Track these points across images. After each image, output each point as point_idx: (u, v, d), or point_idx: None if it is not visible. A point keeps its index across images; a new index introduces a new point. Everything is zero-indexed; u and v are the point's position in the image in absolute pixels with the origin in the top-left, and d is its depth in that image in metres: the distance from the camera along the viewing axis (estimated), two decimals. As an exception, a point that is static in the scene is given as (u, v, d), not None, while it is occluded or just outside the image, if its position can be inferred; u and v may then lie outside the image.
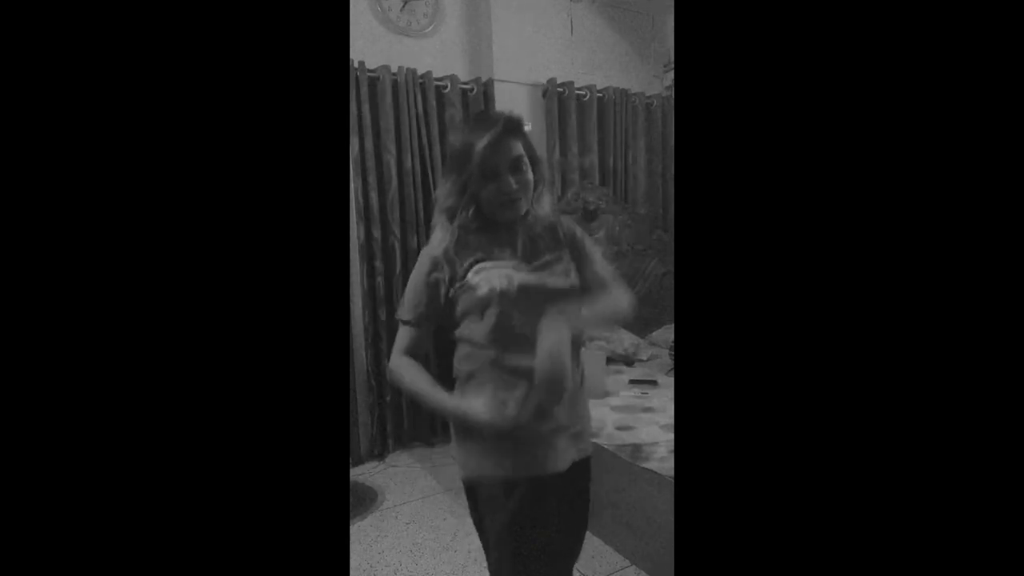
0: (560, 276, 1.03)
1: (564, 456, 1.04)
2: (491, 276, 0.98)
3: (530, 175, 1.01)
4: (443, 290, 1.02)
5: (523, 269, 1.01)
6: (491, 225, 1.03)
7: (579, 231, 1.14)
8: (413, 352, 1.06)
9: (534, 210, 1.05)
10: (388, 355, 2.81)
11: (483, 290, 0.98)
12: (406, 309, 1.06)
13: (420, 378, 1.03)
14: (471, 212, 1.01)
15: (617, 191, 3.33)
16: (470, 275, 1.00)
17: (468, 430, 1.01)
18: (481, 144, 0.96)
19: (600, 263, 1.13)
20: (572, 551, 1.17)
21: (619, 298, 1.08)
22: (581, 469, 1.11)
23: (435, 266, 1.02)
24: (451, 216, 1.02)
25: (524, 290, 0.97)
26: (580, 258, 1.10)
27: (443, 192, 1.04)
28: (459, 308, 1.02)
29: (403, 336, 1.06)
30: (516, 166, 0.99)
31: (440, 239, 1.03)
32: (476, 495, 1.07)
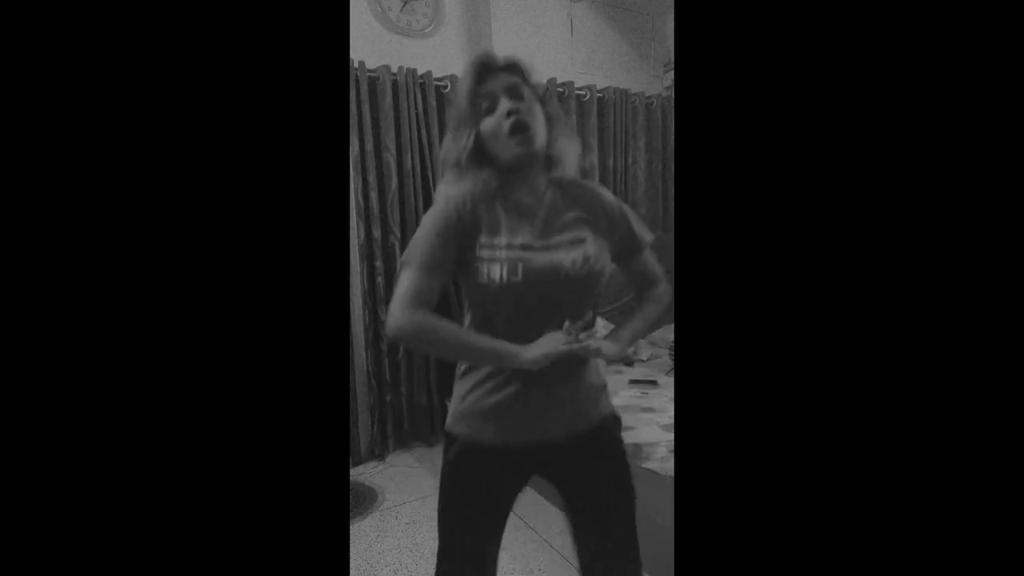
0: (579, 260, 0.90)
1: (564, 425, 0.96)
2: (495, 261, 0.88)
3: (536, 105, 0.90)
4: (459, 242, 0.90)
5: (536, 247, 0.89)
6: (506, 177, 0.91)
7: (628, 211, 1.01)
8: (422, 302, 0.88)
9: (558, 160, 0.93)
10: (388, 355, 2.83)
11: (483, 278, 0.88)
12: (415, 252, 0.89)
13: (443, 325, 0.89)
14: (471, 144, 0.89)
15: (617, 191, 3.33)
16: (477, 250, 0.89)
17: (483, 385, 0.93)
18: (467, 77, 0.89)
19: (648, 256, 1.04)
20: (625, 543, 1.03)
21: (664, 296, 1.03)
22: (601, 434, 1.00)
23: (454, 210, 0.89)
24: (456, 166, 0.91)
25: (531, 278, 0.87)
26: (625, 245, 0.99)
27: (444, 148, 0.93)
28: (465, 284, 0.93)
29: (408, 282, 0.88)
30: (513, 91, 0.88)
31: (459, 188, 0.91)
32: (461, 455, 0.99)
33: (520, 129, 0.88)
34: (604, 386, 1.04)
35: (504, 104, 0.88)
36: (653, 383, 2.39)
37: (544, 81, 3.10)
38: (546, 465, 1.01)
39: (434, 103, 2.82)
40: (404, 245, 2.77)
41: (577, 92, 3.14)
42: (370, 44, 2.74)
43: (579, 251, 0.91)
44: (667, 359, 2.77)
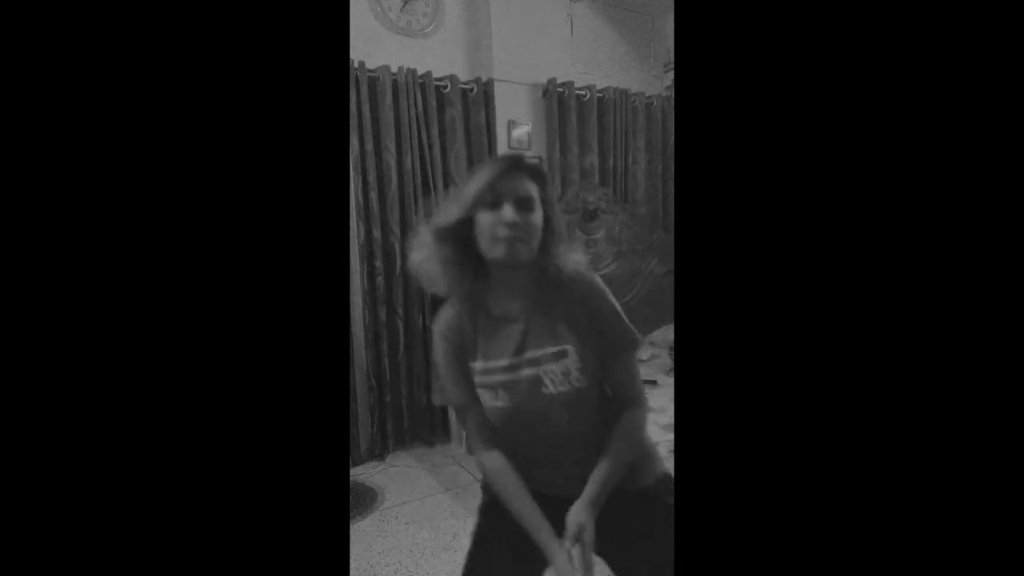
0: (559, 378, 0.91)
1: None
2: (484, 388, 0.93)
3: (538, 220, 0.90)
4: (468, 356, 0.96)
5: (516, 366, 0.92)
6: (481, 266, 0.93)
7: (617, 308, 0.95)
8: (486, 435, 0.96)
9: (553, 259, 0.93)
10: (388, 355, 2.83)
11: (485, 403, 0.94)
12: (449, 394, 0.98)
13: (504, 480, 0.94)
14: (452, 224, 0.90)
15: (617, 191, 3.33)
16: (473, 377, 0.95)
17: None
18: (489, 169, 0.90)
19: (633, 363, 0.98)
20: None
21: (636, 425, 0.97)
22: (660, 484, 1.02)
23: (456, 333, 0.96)
24: (436, 234, 0.92)
25: (516, 400, 0.92)
26: (610, 346, 0.94)
27: (441, 208, 0.93)
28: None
29: (467, 422, 0.98)
30: (524, 203, 0.89)
31: (443, 319, 0.97)
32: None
33: (511, 242, 0.88)
34: (651, 446, 1.07)
35: (507, 212, 0.87)
36: (653, 383, 2.39)
37: (544, 81, 3.10)
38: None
39: (434, 103, 2.82)
40: (404, 245, 2.77)
41: (577, 92, 3.14)
42: (370, 44, 2.74)
43: (560, 365, 0.91)
44: (667, 359, 2.77)
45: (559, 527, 0.91)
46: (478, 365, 0.94)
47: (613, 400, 0.97)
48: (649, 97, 3.44)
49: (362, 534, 2.12)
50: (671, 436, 1.82)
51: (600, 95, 3.22)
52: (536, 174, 0.92)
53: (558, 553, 0.88)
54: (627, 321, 0.95)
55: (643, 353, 2.87)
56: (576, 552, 0.87)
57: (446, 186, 2.85)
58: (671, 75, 3.45)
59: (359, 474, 2.63)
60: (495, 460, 0.96)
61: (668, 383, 2.39)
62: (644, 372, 2.57)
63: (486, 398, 0.94)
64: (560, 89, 3.11)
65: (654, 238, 3.41)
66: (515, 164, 0.91)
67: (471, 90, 2.91)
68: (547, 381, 0.91)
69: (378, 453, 2.81)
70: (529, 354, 0.92)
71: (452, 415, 2.95)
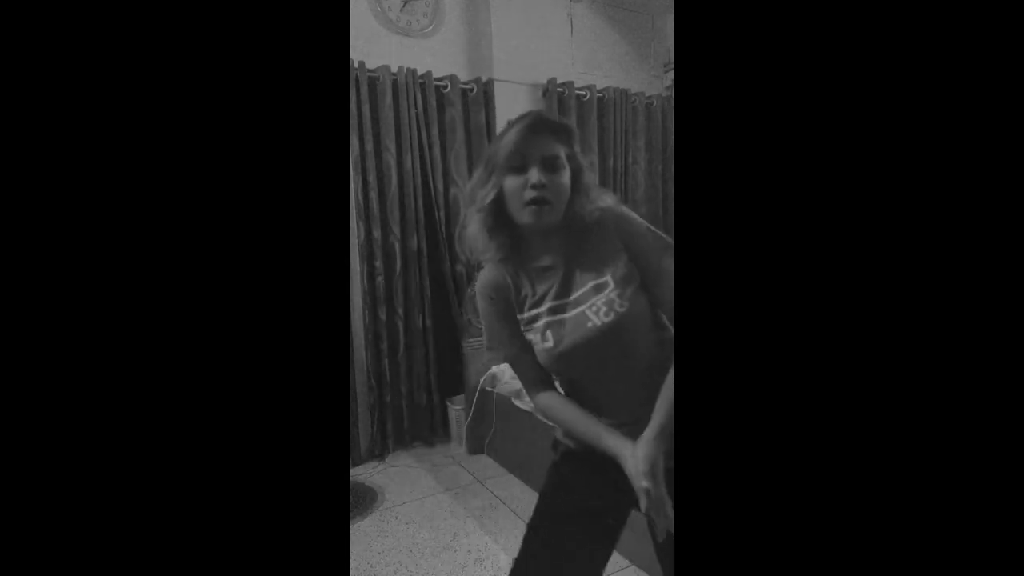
0: (602, 309, 0.91)
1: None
2: (533, 331, 0.95)
3: (567, 180, 0.91)
4: (514, 308, 0.98)
5: (561, 307, 0.94)
6: (523, 239, 0.96)
7: (647, 237, 0.95)
8: (536, 381, 0.99)
9: (577, 209, 0.94)
10: (388, 355, 2.83)
11: (536, 346, 0.95)
12: (495, 342, 1.01)
13: (559, 406, 0.98)
14: (490, 200, 0.91)
15: (617, 191, 3.33)
16: (522, 325, 0.97)
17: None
18: (513, 130, 0.89)
19: (668, 283, 0.95)
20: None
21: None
22: None
23: (496, 290, 0.98)
24: (473, 202, 0.96)
25: (564, 340, 0.92)
26: (651, 275, 0.94)
27: (473, 181, 0.96)
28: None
29: (516, 371, 1.02)
30: (549, 163, 0.89)
31: (484, 276, 0.99)
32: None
33: (537, 203, 0.89)
34: None
35: (533, 175, 0.88)
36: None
37: (544, 81, 3.10)
38: None
39: (434, 103, 2.82)
40: (404, 245, 2.78)
41: (577, 92, 3.15)
42: (370, 44, 2.74)
43: (601, 297, 0.91)
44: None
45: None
46: (524, 315, 0.96)
47: (667, 327, 0.97)
48: (649, 97, 3.45)
49: (362, 534, 2.12)
50: (671, 436, 1.81)
51: (600, 95, 3.22)
52: (561, 131, 0.92)
53: (629, 460, 0.88)
54: (656, 231, 0.97)
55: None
56: (651, 486, 0.85)
57: (446, 186, 2.86)
58: (671, 75, 3.45)
59: (359, 474, 2.63)
60: (551, 399, 0.98)
61: (668, 383, 2.38)
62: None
63: (536, 342, 0.95)
64: (560, 89, 3.11)
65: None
66: (539, 124, 0.90)
67: (471, 90, 2.91)
68: (591, 315, 0.91)
69: (378, 453, 2.81)
70: (572, 296, 0.93)
71: (452, 415, 2.96)
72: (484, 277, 1.00)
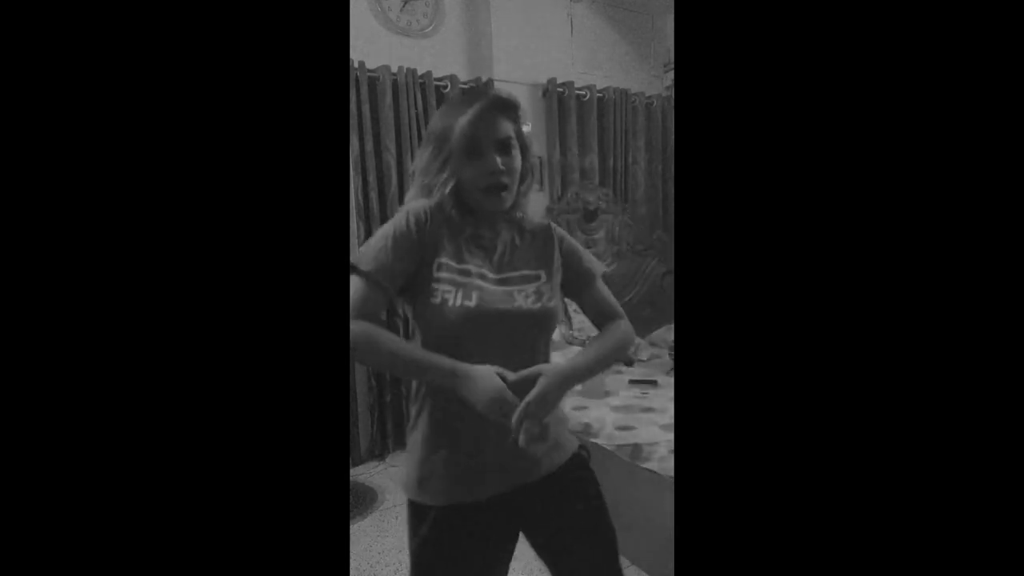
0: (531, 296, 0.91)
1: (538, 466, 0.92)
2: (452, 284, 0.87)
3: (519, 162, 0.91)
4: (414, 257, 0.88)
5: (489, 279, 0.90)
6: (470, 214, 0.92)
7: (578, 247, 1.03)
8: (365, 312, 0.85)
9: (521, 206, 0.96)
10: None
11: (436, 299, 0.86)
12: (366, 259, 0.87)
13: (387, 337, 0.85)
14: (449, 190, 0.89)
15: (617, 191, 3.33)
16: (435, 271, 0.88)
17: (445, 441, 0.89)
18: (466, 116, 0.87)
19: (601, 287, 1.03)
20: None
21: (622, 331, 1.00)
22: (570, 472, 0.97)
23: (414, 224, 0.88)
24: (428, 194, 0.91)
25: (484, 308, 0.86)
26: (577, 278, 1.00)
27: (420, 165, 0.92)
28: (415, 305, 0.90)
29: (354, 292, 0.86)
30: (504, 146, 0.89)
31: (422, 203, 0.91)
32: (433, 520, 0.89)
33: (497, 190, 0.89)
34: (565, 419, 1.03)
35: (491, 161, 0.88)
36: (653, 383, 2.40)
37: (544, 81, 3.10)
38: (525, 517, 0.95)
39: (434, 103, 2.82)
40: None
41: (577, 92, 3.15)
42: (370, 44, 2.74)
43: (532, 286, 0.92)
44: (667, 359, 2.77)
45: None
46: (445, 261, 0.89)
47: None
48: (649, 97, 3.45)
49: (362, 534, 2.12)
50: (671, 436, 1.82)
51: (600, 95, 3.23)
52: (511, 108, 0.91)
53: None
54: (589, 255, 1.03)
55: (643, 353, 2.87)
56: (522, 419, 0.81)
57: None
58: (671, 75, 3.45)
59: (359, 474, 2.63)
60: (372, 328, 0.85)
61: (668, 383, 2.39)
62: (644, 372, 2.58)
63: (450, 297, 0.86)
64: (560, 89, 3.11)
65: (654, 238, 3.41)
66: (493, 105, 0.89)
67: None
68: (517, 296, 0.90)
69: (378, 453, 2.81)
70: (504, 274, 0.92)
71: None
72: (418, 204, 0.92)
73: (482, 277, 0.90)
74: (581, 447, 1.00)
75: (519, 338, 0.90)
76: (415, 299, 0.90)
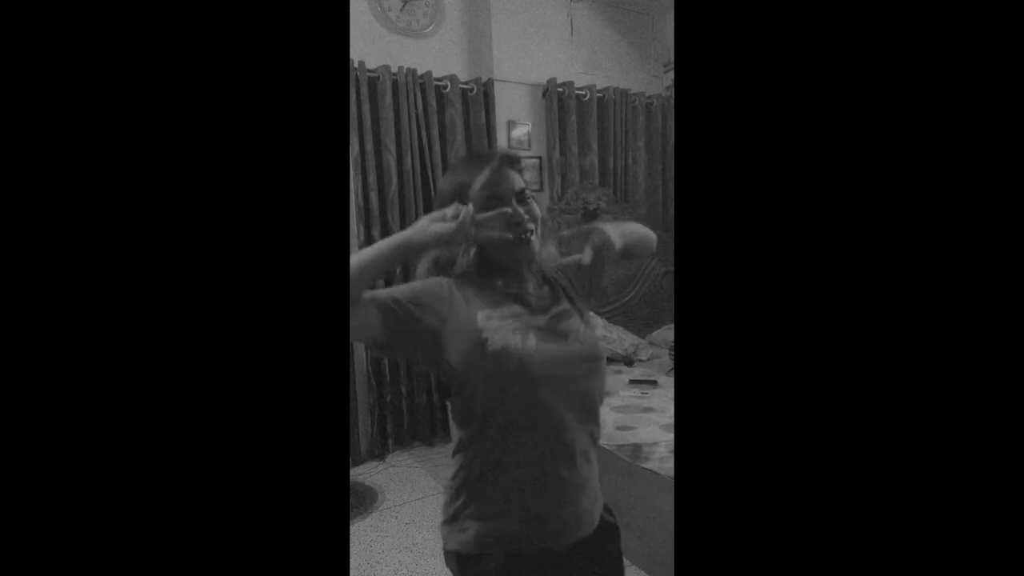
0: (580, 331, 0.93)
1: (590, 516, 0.91)
2: (503, 331, 0.85)
3: (537, 210, 0.92)
4: (439, 315, 0.84)
5: (539, 320, 0.90)
6: (493, 274, 0.92)
7: (565, 260, 1.01)
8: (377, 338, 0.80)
9: (541, 254, 0.95)
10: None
11: (496, 344, 0.84)
12: (383, 293, 0.82)
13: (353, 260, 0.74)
14: (472, 254, 0.90)
15: (617, 191, 3.33)
16: (481, 322, 0.86)
17: (475, 486, 0.88)
18: (483, 175, 0.87)
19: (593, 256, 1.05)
20: None
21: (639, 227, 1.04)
22: (608, 530, 0.97)
23: (446, 287, 0.87)
24: (448, 267, 0.90)
25: (542, 347, 0.86)
26: (581, 269, 0.99)
27: (430, 236, 0.82)
28: (456, 355, 0.85)
29: (365, 316, 0.78)
30: (522, 197, 0.90)
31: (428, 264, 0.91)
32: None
33: (526, 236, 0.89)
34: (600, 498, 0.98)
35: (516, 212, 0.88)
36: (653, 383, 2.40)
37: (544, 81, 3.10)
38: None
39: (434, 103, 2.82)
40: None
41: (577, 92, 3.15)
42: (370, 44, 2.74)
43: (570, 322, 0.93)
44: (667, 359, 2.78)
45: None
46: (488, 312, 0.87)
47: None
48: (649, 97, 3.45)
49: (362, 534, 2.12)
50: (671, 436, 1.82)
51: (600, 95, 3.23)
52: (517, 163, 0.94)
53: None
54: (572, 256, 1.00)
55: (643, 353, 2.87)
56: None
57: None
58: (671, 75, 3.45)
59: (359, 474, 2.64)
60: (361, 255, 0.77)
61: (668, 383, 2.39)
62: (644, 372, 2.58)
63: (508, 339, 0.85)
64: (560, 89, 3.11)
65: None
66: (505, 161, 0.91)
67: (471, 90, 2.91)
68: (571, 332, 0.92)
69: (378, 453, 2.82)
70: (542, 316, 0.92)
71: (451, 415, 2.95)
72: (443, 278, 0.90)
73: (530, 320, 0.90)
74: (606, 509, 0.98)
75: (577, 375, 0.91)
76: (464, 355, 0.85)
